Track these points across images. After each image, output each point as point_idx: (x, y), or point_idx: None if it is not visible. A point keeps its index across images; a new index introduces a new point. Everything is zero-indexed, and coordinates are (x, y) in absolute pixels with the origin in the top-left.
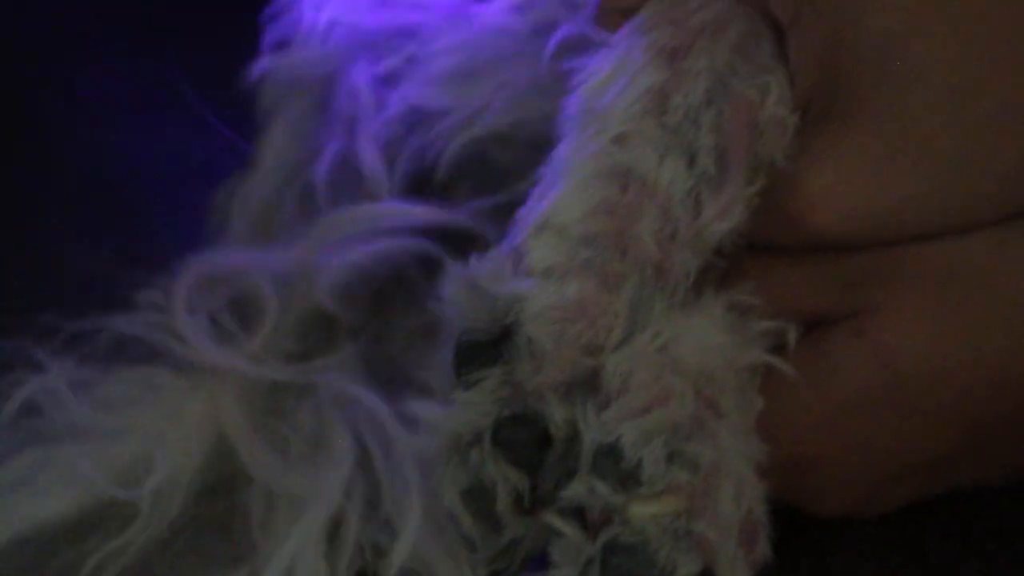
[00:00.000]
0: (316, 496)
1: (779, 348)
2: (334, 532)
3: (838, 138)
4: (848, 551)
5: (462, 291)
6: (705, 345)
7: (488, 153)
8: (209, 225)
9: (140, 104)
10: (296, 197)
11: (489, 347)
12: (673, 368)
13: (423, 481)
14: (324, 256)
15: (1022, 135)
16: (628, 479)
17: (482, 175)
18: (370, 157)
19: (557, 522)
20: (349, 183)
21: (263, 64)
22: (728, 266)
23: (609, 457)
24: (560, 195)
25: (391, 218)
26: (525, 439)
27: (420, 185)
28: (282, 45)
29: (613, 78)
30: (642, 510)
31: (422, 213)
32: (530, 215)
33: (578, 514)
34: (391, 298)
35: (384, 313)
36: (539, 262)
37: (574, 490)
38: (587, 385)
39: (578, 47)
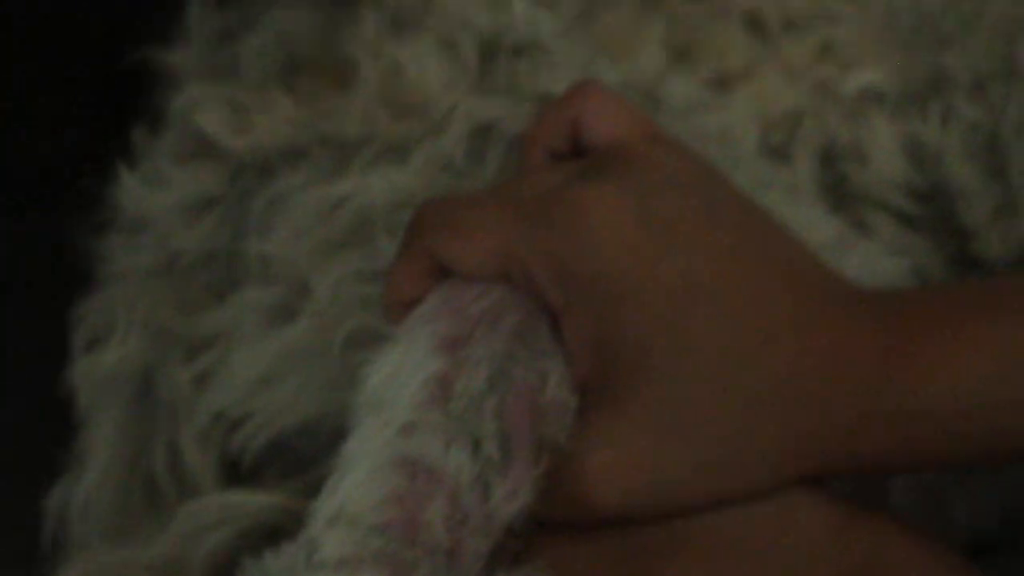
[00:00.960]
0: None
1: None
2: None
3: (615, 417)
4: None
5: None
6: None
7: (292, 444)
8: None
9: None
10: (141, 490)
11: None
12: None
13: None
14: (191, 547)
15: (791, 405)
16: None
17: (288, 465)
18: (191, 451)
19: None
20: (179, 475)
21: (78, 366)
22: (520, 545)
23: None
24: (351, 486)
25: (234, 509)
26: None
27: (234, 475)
28: (93, 344)
29: (398, 369)
30: None
31: (258, 503)
32: (322, 506)
33: None
34: None
35: None
36: (331, 554)
37: None
38: None
39: (368, 341)
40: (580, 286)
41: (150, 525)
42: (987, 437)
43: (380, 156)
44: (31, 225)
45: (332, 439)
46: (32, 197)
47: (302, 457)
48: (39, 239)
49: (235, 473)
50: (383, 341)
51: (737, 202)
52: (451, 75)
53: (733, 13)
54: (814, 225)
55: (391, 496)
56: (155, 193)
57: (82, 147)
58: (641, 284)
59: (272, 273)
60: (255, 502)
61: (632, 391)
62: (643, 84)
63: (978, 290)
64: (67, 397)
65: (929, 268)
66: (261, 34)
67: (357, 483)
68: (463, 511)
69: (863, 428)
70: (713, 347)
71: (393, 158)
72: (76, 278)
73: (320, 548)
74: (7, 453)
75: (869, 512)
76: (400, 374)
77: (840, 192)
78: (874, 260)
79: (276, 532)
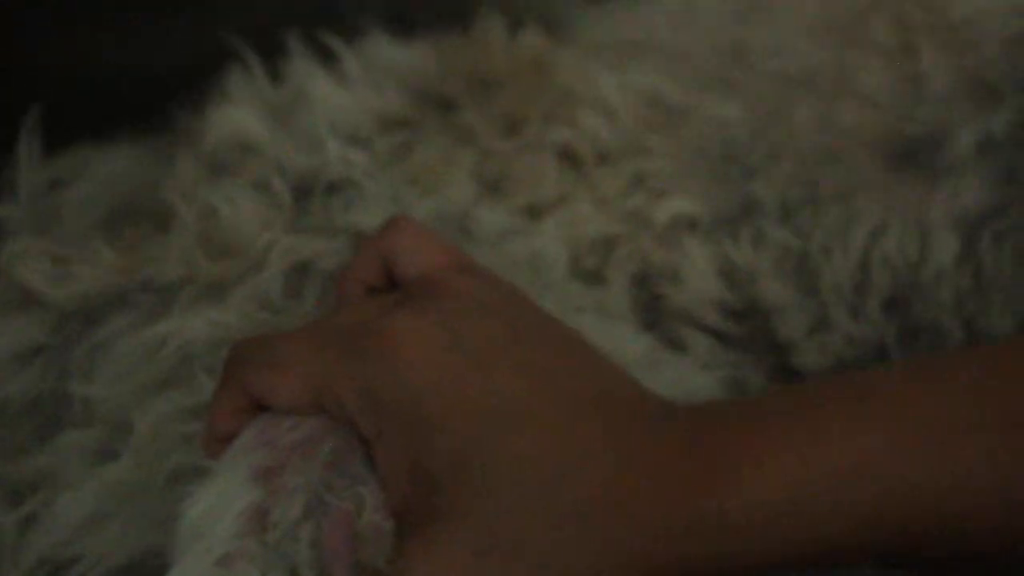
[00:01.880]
0: None
1: None
2: None
3: (433, 539)
4: None
5: None
6: None
7: None
8: None
9: None
10: None
11: None
12: None
13: None
14: None
15: (612, 520)
16: None
17: None
18: None
19: None
20: None
21: None
22: None
23: None
24: None
25: None
26: None
27: None
28: None
29: (215, 502)
30: None
31: None
32: None
33: None
34: None
35: None
36: None
37: None
38: None
39: (190, 477)
40: (390, 413)
41: None
42: (809, 542)
43: (199, 297)
44: None
45: None
46: None
47: None
48: None
49: None
50: (203, 476)
51: (546, 325)
52: (266, 215)
53: (546, 148)
54: (626, 344)
55: None
56: None
57: None
58: (451, 408)
59: (95, 414)
60: None
61: (448, 513)
62: (454, 215)
63: (792, 399)
64: None
65: (749, 380)
66: (84, 184)
67: None
68: None
69: (689, 537)
70: (526, 467)
71: (212, 298)
72: None
73: None
74: None
75: None
76: (217, 506)
77: (654, 311)
78: (687, 375)
79: None
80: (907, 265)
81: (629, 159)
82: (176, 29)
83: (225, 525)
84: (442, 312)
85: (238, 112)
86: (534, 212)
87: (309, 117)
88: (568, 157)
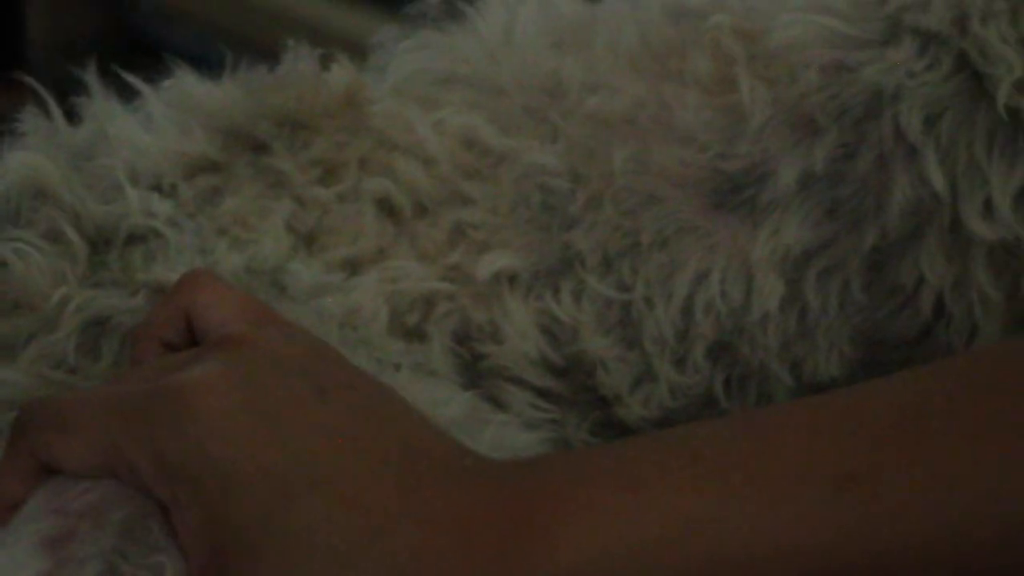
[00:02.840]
0: None
1: None
2: None
3: None
4: None
5: None
6: None
7: None
8: None
9: None
10: None
11: None
12: None
13: None
14: None
15: None
16: None
17: None
18: None
19: None
20: None
21: None
22: None
23: None
24: None
25: None
26: None
27: None
28: None
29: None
30: None
31: None
32: None
33: None
34: None
35: None
36: None
37: None
38: None
39: None
40: (185, 478)
41: None
42: None
43: None
44: None
45: None
46: None
47: None
48: None
49: None
50: None
51: (354, 383)
52: (60, 268)
53: (364, 197)
54: (445, 402)
55: None
56: None
57: None
58: (248, 472)
59: None
60: None
61: None
62: (266, 269)
63: (614, 457)
64: None
65: (574, 437)
66: None
67: None
68: None
69: None
70: (326, 533)
71: (2, 357)
72: None
73: None
74: None
75: None
76: None
77: (476, 369)
78: (509, 435)
79: None
80: (731, 310)
81: (448, 209)
82: None
83: None
84: (239, 371)
85: (31, 156)
86: (352, 266)
87: (108, 161)
88: (386, 207)
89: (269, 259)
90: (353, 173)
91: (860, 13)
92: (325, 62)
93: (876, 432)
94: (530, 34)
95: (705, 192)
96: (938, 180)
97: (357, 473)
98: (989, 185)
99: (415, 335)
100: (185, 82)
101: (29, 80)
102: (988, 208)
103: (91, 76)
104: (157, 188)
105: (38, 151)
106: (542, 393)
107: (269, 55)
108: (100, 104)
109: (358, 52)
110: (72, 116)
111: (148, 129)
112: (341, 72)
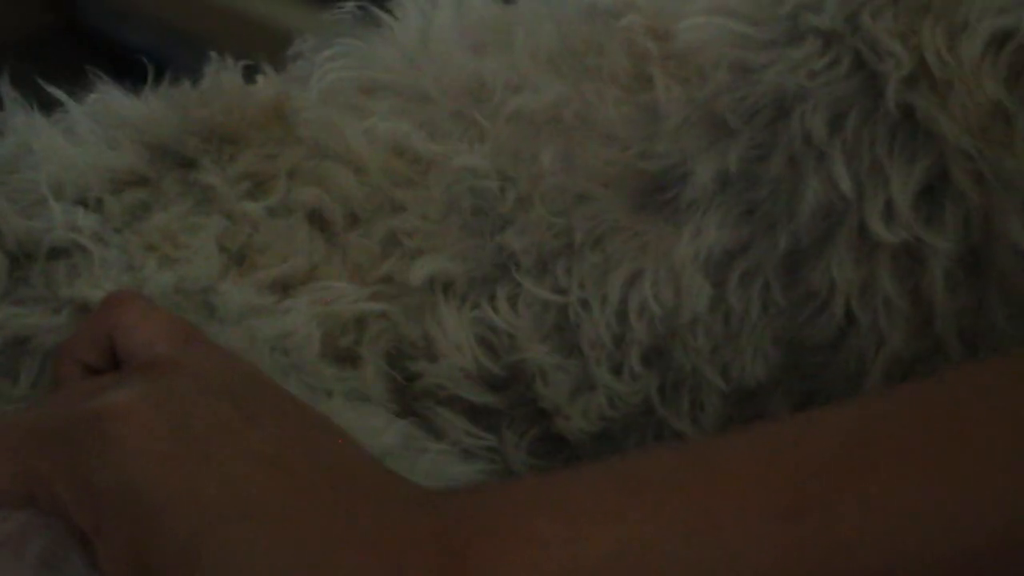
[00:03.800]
0: None
1: None
2: None
3: None
4: None
5: None
6: None
7: None
8: None
9: None
10: None
11: None
12: None
13: None
14: None
15: None
16: None
17: None
18: None
19: None
20: None
21: None
22: None
23: None
24: None
25: None
26: None
27: None
28: None
29: None
30: None
31: None
32: None
33: None
34: None
35: None
36: None
37: None
38: None
39: None
40: (108, 506)
41: None
42: None
43: None
44: None
45: None
46: None
47: None
48: None
49: None
50: None
51: (284, 408)
52: None
53: (295, 211)
54: (379, 430)
55: None
56: None
57: None
58: (176, 498)
59: None
60: None
61: None
62: (196, 289)
63: (550, 487)
64: None
65: (512, 457)
66: None
67: None
68: None
69: None
70: (256, 560)
71: None
72: None
73: None
74: None
75: None
76: None
77: (410, 393)
78: (445, 464)
79: None
80: (664, 313)
81: (381, 218)
82: None
83: None
84: (164, 393)
85: None
86: (284, 287)
87: (32, 175)
88: (318, 220)
89: (199, 279)
90: (283, 185)
91: (761, 14)
92: (249, 74)
93: (826, 461)
94: (447, 38)
95: (629, 192)
96: (844, 181)
97: (288, 501)
98: (890, 185)
99: (348, 359)
100: (110, 96)
101: None
102: (889, 209)
103: (6, 88)
104: (82, 202)
105: None
106: (478, 416)
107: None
108: (22, 117)
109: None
110: None
111: (74, 142)
112: (267, 84)
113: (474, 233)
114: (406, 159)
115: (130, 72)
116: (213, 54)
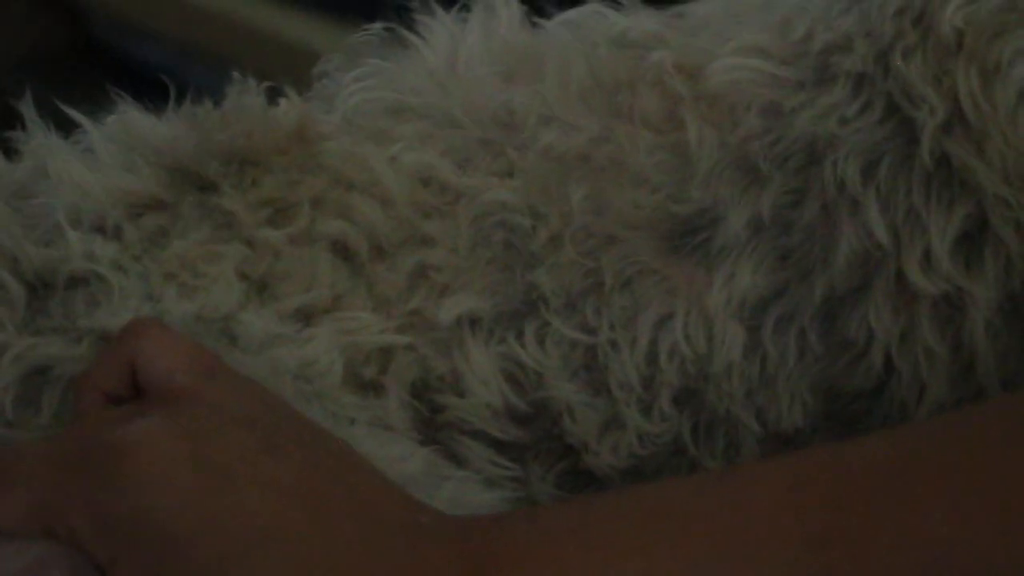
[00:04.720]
0: None
1: None
2: None
3: None
4: None
5: None
6: None
7: None
8: None
9: None
10: None
11: None
12: None
13: None
14: None
15: None
16: None
17: None
18: None
19: None
20: None
21: None
22: None
23: None
24: None
25: None
26: None
27: None
28: None
29: None
30: None
31: None
32: None
33: None
34: None
35: None
36: None
37: None
38: None
39: None
40: (126, 538)
41: None
42: None
43: None
44: None
45: None
46: None
47: None
48: None
49: None
50: None
51: (305, 439)
52: None
53: (318, 240)
54: (402, 459)
55: None
56: None
57: None
58: (196, 530)
59: None
60: None
61: None
62: (217, 318)
63: (574, 515)
64: None
65: (538, 490)
66: None
67: None
68: None
69: None
70: None
71: None
72: None
73: None
74: None
75: None
76: None
77: (434, 423)
78: (468, 492)
79: None
80: (696, 356)
81: (408, 251)
82: None
83: None
84: (185, 425)
85: None
86: (306, 316)
87: (48, 200)
88: (342, 250)
89: (220, 307)
90: (306, 213)
91: (791, 52)
92: (272, 95)
93: (859, 489)
94: (477, 63)
95: (660, 235)
96: (880, 230)
97: (310, 531)
98: (928, 234)
99: (371, 388)
100: (129, 116)
101: None
102: (927, 259)
103: (28, 108)
104: (100, 229)
105: None
106: (503, 447)
107: (230, 68)
108: (40, 139)
109: (303, 85)
110: (9, 152)
111: (91, 166)
112: (290, 107)
113: (503, 269)
114: (433, 189)
115: (149, 91)
116: (235, 74)
